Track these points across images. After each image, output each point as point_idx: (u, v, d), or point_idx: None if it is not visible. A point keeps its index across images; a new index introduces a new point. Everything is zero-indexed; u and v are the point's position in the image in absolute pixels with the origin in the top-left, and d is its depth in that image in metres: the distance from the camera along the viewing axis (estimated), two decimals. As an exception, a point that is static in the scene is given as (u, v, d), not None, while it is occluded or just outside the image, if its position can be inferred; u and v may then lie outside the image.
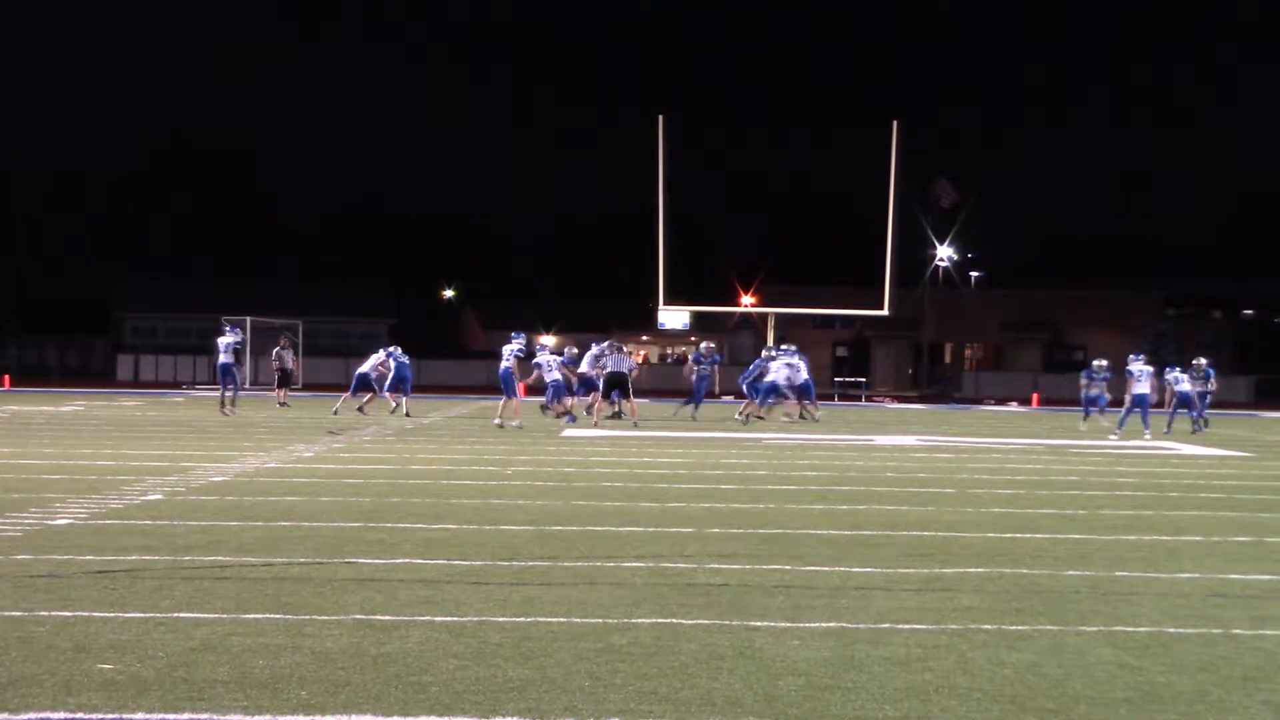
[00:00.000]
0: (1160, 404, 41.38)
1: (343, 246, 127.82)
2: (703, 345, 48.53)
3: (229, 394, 42.04)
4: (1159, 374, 41.19)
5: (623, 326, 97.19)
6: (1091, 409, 43.71)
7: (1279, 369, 70.48)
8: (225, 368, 41.76)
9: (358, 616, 11.07)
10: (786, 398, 43.95)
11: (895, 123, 66.22)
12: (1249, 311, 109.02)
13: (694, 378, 45.71)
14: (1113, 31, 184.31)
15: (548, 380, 39.65)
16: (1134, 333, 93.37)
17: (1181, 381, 40.93)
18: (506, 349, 37.97)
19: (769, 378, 43.40)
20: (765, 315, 72.24)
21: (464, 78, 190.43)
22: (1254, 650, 10.47)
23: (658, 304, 68.25)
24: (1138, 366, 40.28)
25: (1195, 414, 41.37)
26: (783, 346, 46.76)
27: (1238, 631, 11.15)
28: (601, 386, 40.28)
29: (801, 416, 43.70)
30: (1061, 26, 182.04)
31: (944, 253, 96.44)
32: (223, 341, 41.89)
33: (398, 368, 43.31)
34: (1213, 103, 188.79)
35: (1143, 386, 39.81)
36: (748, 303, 72.00)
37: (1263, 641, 10.79)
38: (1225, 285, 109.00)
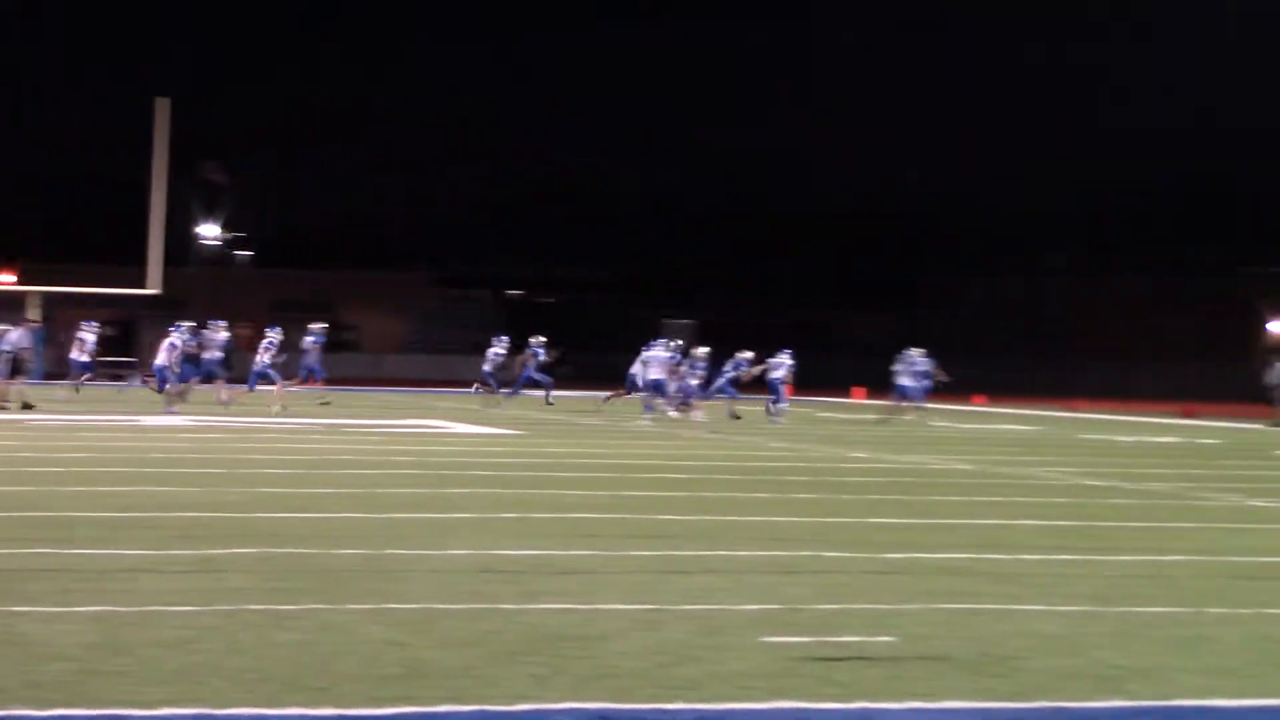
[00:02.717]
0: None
1: None
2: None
3: None
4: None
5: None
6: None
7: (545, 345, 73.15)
8: None
9: None
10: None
11: (164, 100, 65.64)
12: (515, 291, 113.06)
13: None
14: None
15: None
16: (405, 312, 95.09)
17: (780, 369, 41.45)
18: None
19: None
20: (26, 294, 70.11)
21: None
22: (519, 624, 10.73)
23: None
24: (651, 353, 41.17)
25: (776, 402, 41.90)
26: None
27: (504, 606, 11.41)
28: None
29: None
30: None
31: (211, 231, 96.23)
32: None
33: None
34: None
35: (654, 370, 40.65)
36: (7, 280, 69.59)
37: (527, 615, 11.07)
38: (493, 267, 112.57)
